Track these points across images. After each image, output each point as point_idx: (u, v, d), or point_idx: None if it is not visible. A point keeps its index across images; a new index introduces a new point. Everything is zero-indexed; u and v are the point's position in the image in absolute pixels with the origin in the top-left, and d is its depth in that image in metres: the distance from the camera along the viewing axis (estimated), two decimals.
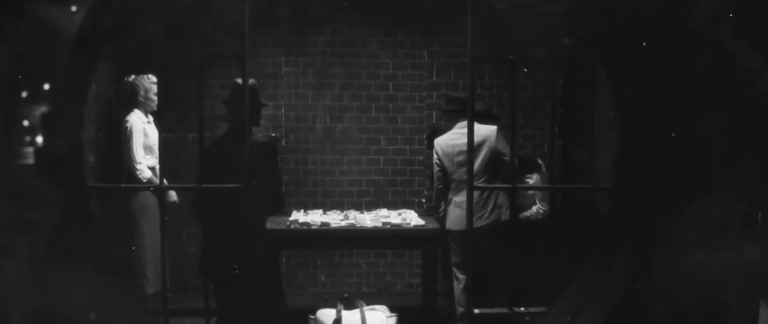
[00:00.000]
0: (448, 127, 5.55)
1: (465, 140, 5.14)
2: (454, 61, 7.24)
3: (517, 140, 5.60)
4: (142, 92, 5.38)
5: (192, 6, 5.72)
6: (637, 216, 3.53)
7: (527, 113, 7.22)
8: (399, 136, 7.24)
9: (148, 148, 5.39)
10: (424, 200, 7.14)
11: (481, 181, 5.23)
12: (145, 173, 5.27)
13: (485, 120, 5.43)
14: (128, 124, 5.29)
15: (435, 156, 5.41)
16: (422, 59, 7.24)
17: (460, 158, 5.28)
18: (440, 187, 5.48)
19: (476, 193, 5.21)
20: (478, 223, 5.22)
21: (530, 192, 6.27)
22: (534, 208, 6.17)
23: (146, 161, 5.35)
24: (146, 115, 5.46)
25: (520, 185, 4.72)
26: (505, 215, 5.46)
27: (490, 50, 6.51)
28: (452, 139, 5.37)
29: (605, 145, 5.68)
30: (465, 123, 5.26)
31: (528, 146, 7.28)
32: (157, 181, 5.37)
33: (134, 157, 5.25)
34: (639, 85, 3.54)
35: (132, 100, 5.38)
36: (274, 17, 6.88)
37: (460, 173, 5.28)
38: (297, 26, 7.10)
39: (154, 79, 5.38)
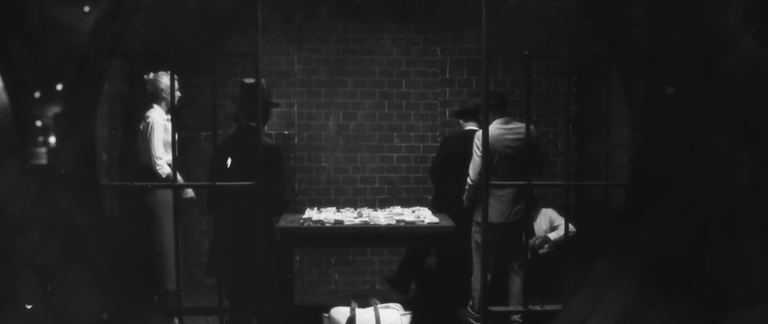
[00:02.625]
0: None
1: (511, 135, 5.34)
2: (467, 58, 7.22)
3: (529, 137, 5.56)
4: (164, 88, 5.35)
5: (204, 4, 5.73)
6: (652, 212, 3.50)
7: (541, 110, 7.18)
8: (412, 133, 7.22)
9: (167, 145, 5.37)
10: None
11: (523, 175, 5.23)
12: (164, 169, 5.24)
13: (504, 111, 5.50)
14: (149, 120, 5.27)
15: (480, 149, 5.30)
16: (435, 56, 7.22)
17: (507, 152, 5.31)
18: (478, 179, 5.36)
19: (512, 189, 5.35)
20: (516, 218, 5.28)
21: (547, 221, 6.41)
22: (552, 235, 6.26)
23: (166, 157, 5.33)
24: (166, 113, 5.44)
25: (535, 182, 4.71)
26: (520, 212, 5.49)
27: (504, 46, 6.49)
28: (499, 133, 5.35)
29: (619, 142, 5.65)
30: (507, 119, 5.41)
31: (542, 143, 7.25)
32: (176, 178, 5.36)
33: (155, 152, 5.23)
34: (652, 80, 3.51)
35: (154, 96, 5.37)
36: (286, 14, 6.88)
37: (504, 167, 5.30)
38: (309, 23, 7.09)
39: (175, 76, 5.36)
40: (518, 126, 5.39)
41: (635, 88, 3.86)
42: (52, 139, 2.32)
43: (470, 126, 5.96)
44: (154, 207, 5.31)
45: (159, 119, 5.30)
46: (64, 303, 2.49)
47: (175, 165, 3.62)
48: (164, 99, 5.37)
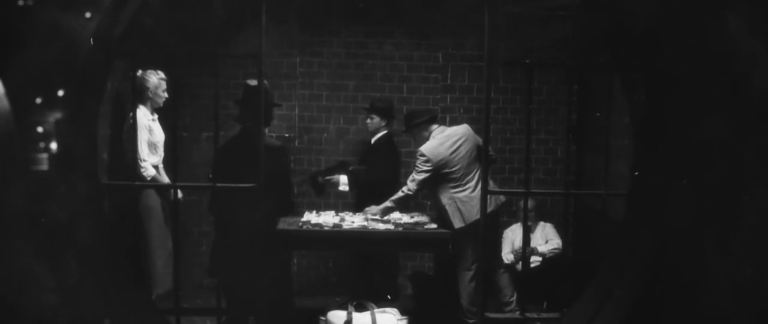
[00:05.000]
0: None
1: (449, 142, 5.59)
2: (468, 64, 7.22)
3: (529, 145, 5.58)
4: (151, 87, 5.22)
5: (208, 5, 5.73)
6: (652, 221, 3.50)
7: (541, 118, 7.19)
8: (412, 139, 7.20)
9: (152, 146, 5.21)
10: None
11: (474, 174, 5.58)
12: (148, 171, 5.08)
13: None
14: (133, 121, 5.15)
15: (426, 164, 5.53)
16: (437, 62, 7.22)
17: (456, 158, 5.52)
18: (421, 190, 5.71)
19: (475, 186, 5.54)
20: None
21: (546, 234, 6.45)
22: (551, 246, 6.29)
23: (151, 159, 5.21)
24: (152, 113, 5.30)
25: (534, 190, 4.72)
26: (499, 200, 5.70)
27: (506, 54, 6.49)
28: (442, 143, 5.59)
29: (619, 151, 5.65)
30: (441, 128, 5.79)
31: (541, 151, 7.25)
32: (161, 179, 5.25)
33: (139, 154, 5.04)
34: (653, 90, 3.51)
35: (140, 95, 5.16)
36: (289, 18, 6.88)
37: (459, 170, 5.53)
38: (312, 27, 7.09)
39: (162, 74, 5.23)
40: (451, 131, 5.71)
41: (636, 97, 3.86)
42: (54, 145, 2.32)
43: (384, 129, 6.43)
44: (139, 211, 5.11)
45: (143, 119, 5.13)
46: (67, 306, 2.49)
47: (176, 165, 3.62)
48: (149, 99, 5.23)
